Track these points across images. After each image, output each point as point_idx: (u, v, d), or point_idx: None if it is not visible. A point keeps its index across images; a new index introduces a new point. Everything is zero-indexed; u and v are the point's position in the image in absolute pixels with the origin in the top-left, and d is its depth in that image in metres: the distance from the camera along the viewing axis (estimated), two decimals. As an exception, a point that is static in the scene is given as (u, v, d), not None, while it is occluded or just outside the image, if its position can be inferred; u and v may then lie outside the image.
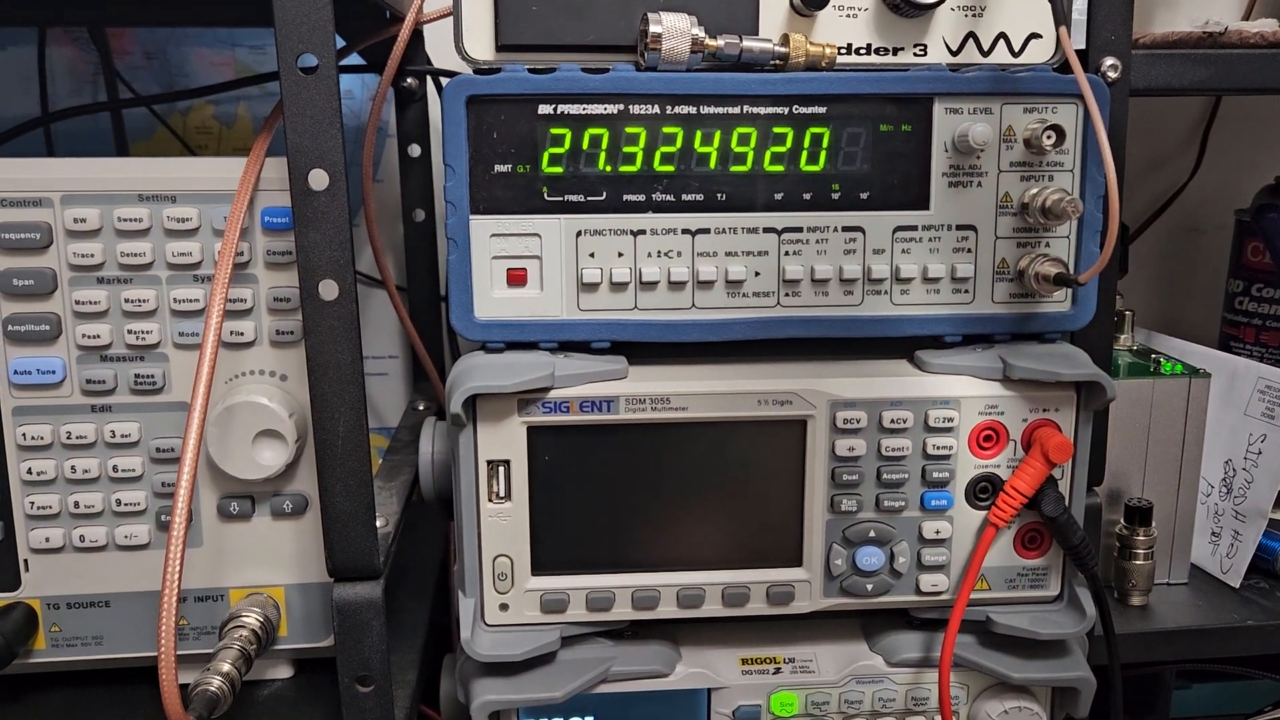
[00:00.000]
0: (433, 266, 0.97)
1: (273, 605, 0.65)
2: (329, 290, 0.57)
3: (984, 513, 0.62)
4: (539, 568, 0.61)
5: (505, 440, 0.59)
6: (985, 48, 0.62)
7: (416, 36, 0.90)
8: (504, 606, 0.61)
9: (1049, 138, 0.59)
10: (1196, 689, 0.91)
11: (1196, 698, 0.91)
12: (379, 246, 0.85)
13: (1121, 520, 0.77)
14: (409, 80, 0.92)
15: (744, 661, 0.64)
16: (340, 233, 0.57)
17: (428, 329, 0.96)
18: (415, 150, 0.94)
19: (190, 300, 0.62)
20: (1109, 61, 0.63)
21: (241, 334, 0.62)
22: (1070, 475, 0.62)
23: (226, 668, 0.58)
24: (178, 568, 0.52)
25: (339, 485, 0.59)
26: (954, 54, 0.61)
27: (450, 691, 0.69)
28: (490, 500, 0.60)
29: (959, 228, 0.61)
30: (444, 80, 0.94)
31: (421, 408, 0.93)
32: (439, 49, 0.93)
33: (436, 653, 0.77)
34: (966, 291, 0.62)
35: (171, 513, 0.54)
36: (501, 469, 0.59)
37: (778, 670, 0.64)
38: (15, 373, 0.61)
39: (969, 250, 0.61)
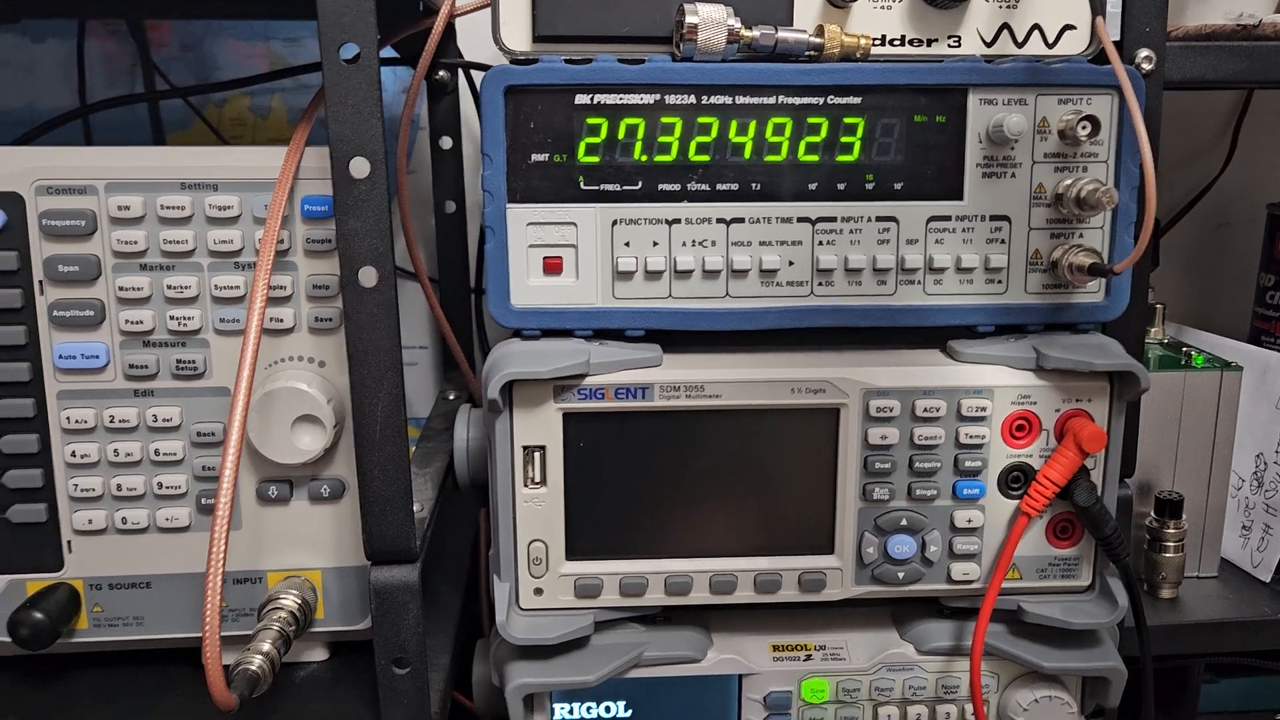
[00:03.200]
0: (464, 258, 0.98)
1: (310, 588, 0.66)
2: (369, 277, 0.58)
3: (1016, 502, 0.62)
4: (573, 553, 0.61)
5: (541, 426, 0.60)
6: (1019, 39, 0.62)
7: (449, 29, 0.91)
8: (538, 591, 0.62)
9: (1084, 128, 0.59)
10: (1224, 683, 0.90)
11: (1224, 692, 0.90)
12: (412, 238, 0.86)
13: (1152, 513, 0.77)
14: (441, 73, 0.93)
15: (775, 648, 0.65)
16: (380, 220, 0.58)
17: (458, 320, 0.97)
18: (447, 142, 0.94)
19: (231, 287, 0.63)
20: (1144, 53, 0.63)
21: (281, 320, 0.63)
22: (1103, 465, 0.62)
23: (266, 647, 0.59)
24: (222, 548, 0.53)
25: (377, 470, 0.60)
26: (988, 45, 0.62)
27: (483, 675, 0.70)
28: (526, 485, 0.60)
29: (993, 218, 0.61)
30: (475, 73, 0.95)
31: (452, 397, 0.94)
32: (470, 42, 0.94)
33: (468, 639, 0.78)
34: (1000, 282, 0.62)
35: (216, 495, 0.55)
36: (537, 454, 0.60)
37: (809, 657, 0.64)
38: (60, 357, 0.63)
39: (1003, 241, 0.62)
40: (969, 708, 0.64)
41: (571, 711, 0.64)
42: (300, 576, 0.66)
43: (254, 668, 0.57)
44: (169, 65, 1.01)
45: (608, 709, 0.63)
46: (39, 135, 0.93)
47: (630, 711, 0.64)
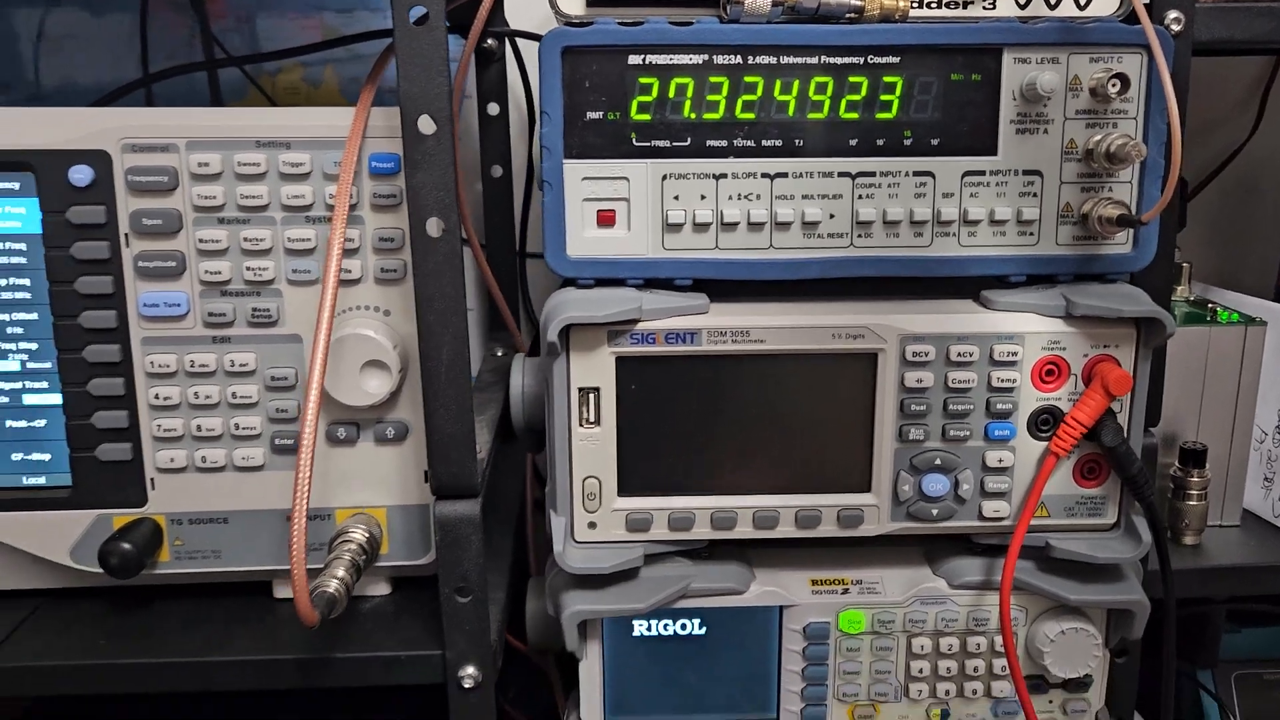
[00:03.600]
0: (510, 222, 1.01)
1: (375, 524, 0.70)
2: (435, 227, 0.62)
3: (1045, 443, 0.65)
4: (625, 489, 0.65)
5: (596, 369, 0.63)
6: (1052, 1, 0.64)
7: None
8: (592, 525, 0.65)
9: (1114, 86, 0.62)
10: (1246, 633, 0.93)
11: (1245, 641, 0.93)
12: (462, 201, 0.89)
13: (1176, 462, 0.79)
14: (489, 41, 0.96)
15: (814, 582, 0.68)
16: (446, 174, 0.61)
17: (504, 282, 1.01)
18: (494, 109, 0.98)
19: (303, 240, 0.67)
20: (1172, 14, 0.65)
21: (350, 271, 0.67)
22: (1129, 409, 0.65)
23: (341, 573, 0.63)
24: (308, 475, 0.58)
25: (442, 409, 0.64)
26: (1022, 7, 0.64)
27: (535, 610, 0.74)
28: (581, 425, 0.64)
29: (1025, 173, 0.64)
30: (521, 41, 0.98)
31: (500, 354, 0.98)
32: (514, 10, 0.97)
33: (518, 580, 0.82)
34: (1032, 234, 0.65)
35: (299, 435, 0.59)
36: (592, 396, 0.64)
37: (846, 591, 0.68)
38: (144, 305, 0.67)
39: (1035, 194, 0.65)
40: (998, 639, 0.68)
41: (650, 628, 0.68)
42: (366, 513, 0.70)
43: (331, 590, 0.61)
44: (225, 37, 1.05)
45: (683, 626, 0.68)
46: (105, 105, 0.97)
47: (705, 629, 0.68)
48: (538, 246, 1.06)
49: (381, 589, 0.74)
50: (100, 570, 0.69)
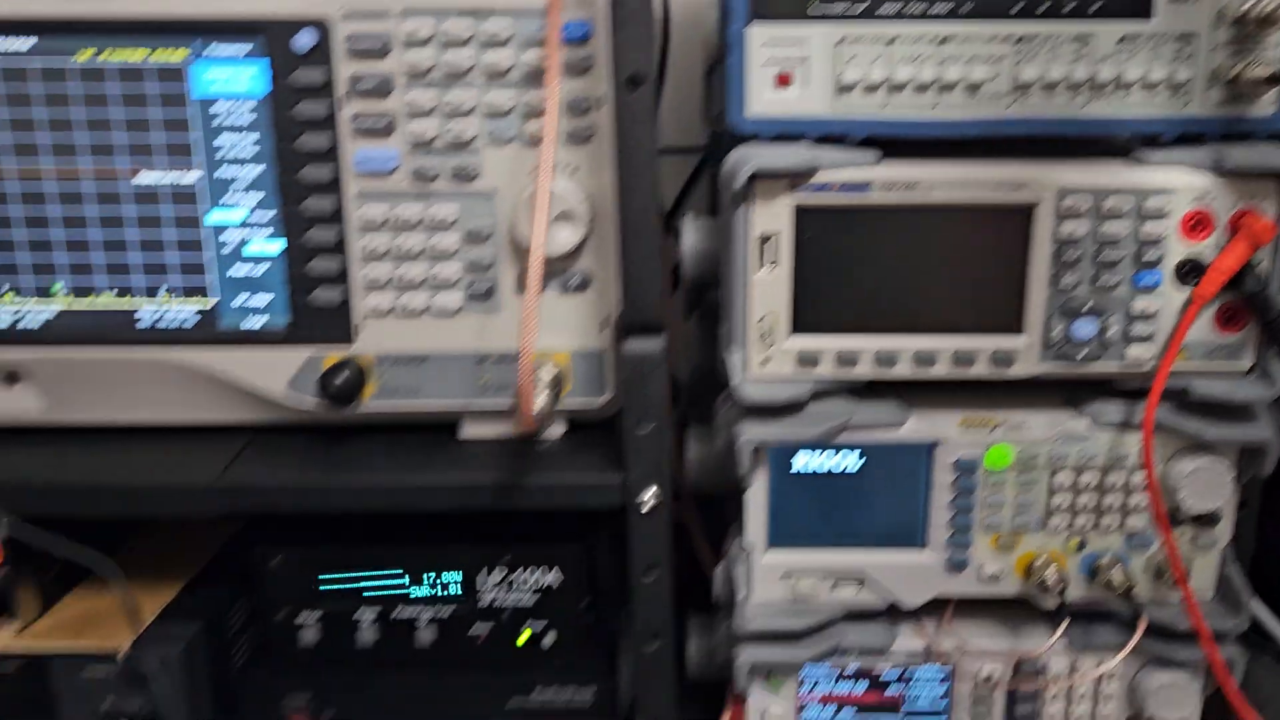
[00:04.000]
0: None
1: (560, 366, 0.77)
2: (633, 84, 0.68)
3: (1189, 291, 0.70)
4: (797, 328, 0.71)
5: (775, 216, 0.69)
6: (1209, -126, 0.68)
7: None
8: (765, 361, 0.72)
9: (1268, -46, 0.66)
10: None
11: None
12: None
13: (1298, 330, 0.84)
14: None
15: (964, 421, 0.74)
16: (645, 32, 0.67)
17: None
18: (636, 4, 1.03)
19: (501, 102, 0.73)
20: (1323, -112, 0.69)
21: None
22: (1270, 259, 0.69)
23: (546, 393, 0.71)
24: (536, 299, 0.65)
25: (634, 251, 0.71)
26: (1179, -118, 0.68)
27: (698, 452, 0.81)
28: (759, 269, 0.70)
29: (1179, 37, 0.69)
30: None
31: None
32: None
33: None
34: (1183, 95, 0.69)
35: (529, 279, 0.68)
36: (770, 241, 0.70)
37: (994, 429, 0.74)
38: (359, 161, 0.74)
39: (1188, 57, 0.69)
40: (1135, 477, 0.73)
41: (809, 465, 0.74)
42: (552, 357, 0.77)
43: (542, 403, 0.69)
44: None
45: (842, 460, 0.74)
46: None
47: (862, 462, 0.75)
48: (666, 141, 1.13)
49: (558, 430, 0.81)
50: (308, 407, 0.77)
